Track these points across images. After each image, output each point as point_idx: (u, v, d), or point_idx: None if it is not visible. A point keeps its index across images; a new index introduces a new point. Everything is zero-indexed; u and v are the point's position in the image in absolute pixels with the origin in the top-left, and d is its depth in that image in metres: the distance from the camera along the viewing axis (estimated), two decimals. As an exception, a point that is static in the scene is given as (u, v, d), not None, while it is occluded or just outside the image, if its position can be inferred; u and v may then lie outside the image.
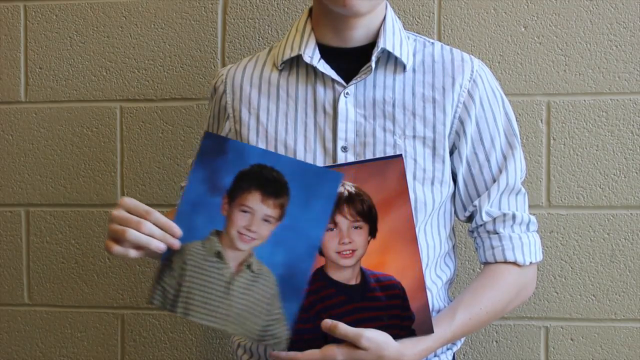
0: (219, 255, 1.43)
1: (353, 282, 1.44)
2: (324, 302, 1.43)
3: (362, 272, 1.44)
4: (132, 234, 1.41)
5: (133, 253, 1.44)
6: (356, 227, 1.43)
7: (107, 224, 1.49)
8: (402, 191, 1.43)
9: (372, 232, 1.44)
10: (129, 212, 1.44)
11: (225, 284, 1.43)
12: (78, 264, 2.23)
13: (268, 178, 1.43)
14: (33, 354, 2.26)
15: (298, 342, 1.43)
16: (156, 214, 1.43)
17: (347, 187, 1.43)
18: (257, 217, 1.43)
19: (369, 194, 1.43)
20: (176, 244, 1.43)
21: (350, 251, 1.43)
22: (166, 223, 1.43)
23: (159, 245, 1.42)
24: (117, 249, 1.44)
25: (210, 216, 1.44)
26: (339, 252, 1.43)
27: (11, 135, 2.24)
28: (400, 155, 1.46)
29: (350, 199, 1.43)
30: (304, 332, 1.43)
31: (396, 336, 1.43)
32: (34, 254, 2.24)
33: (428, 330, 1.44)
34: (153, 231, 1.42)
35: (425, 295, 1.43)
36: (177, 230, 1.44)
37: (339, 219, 1.43)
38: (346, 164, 1.48)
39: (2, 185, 2.26)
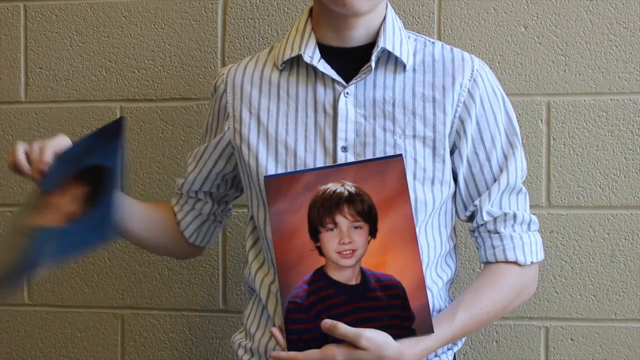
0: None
1: (353, 282, 1.44)
2: (324, 302, 1.43)
3: (362, 272, 1.44)
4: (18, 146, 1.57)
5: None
6: (356, 227, 1.43)
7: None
8: (402, 191, 1.43)
9: (372, 232, 1.44)
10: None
11: None
12: (78, 264, 2.23)
13: None
14: (33, 354, 2.26)
15: (298, 342, 1.43)
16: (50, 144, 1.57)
17: (347, 187, 1.43)
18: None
19: (369, 194, 1.43)
20: (41, 168, 1.55)
21: (351, 251, 1.43)
22: (44, 149, 1.56)
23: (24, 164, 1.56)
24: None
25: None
26: (339, 252, 1.43)
27: (11, 135, 2.24)
28: (401, 155, 1.46)
29: (351, 199, 1.43)
30: (303, 332, 1.43)
31: (396, 336, 1.42)
32: (34, 254, 2.24)
33: (428, 330, 1.44)
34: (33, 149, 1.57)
35: (425, 295, 1.43)
36: (48, 159, 1.55)
37: (339, 219, 1.43)
38: (346, 164, 1.48)
39: (2, 185, 2.26)
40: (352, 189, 1.44)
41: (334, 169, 1.47)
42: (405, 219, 1.43)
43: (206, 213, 1.79)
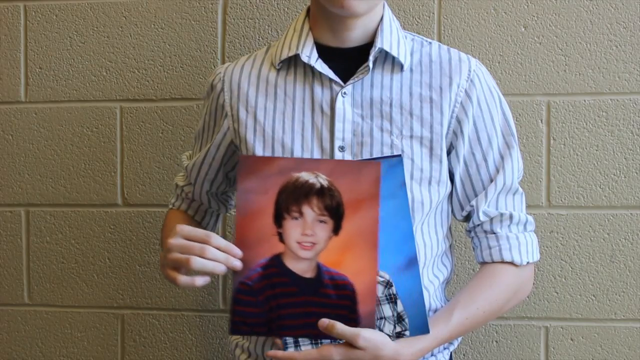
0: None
1: (308, 275, 1.43)
2: (275, 289, 1.42)
3: (319, 267, 1.43)
4: (197, 262, 1.40)
5: (200, 281, 1.43)
6: (321, 221, 1.42)
7: (162, 255, 1.48)
8: (374, 195, 1.42)
9: (336, 230, 1.42)
10: (187, 239, 1.43)
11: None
12: (78, 264, 2.23)
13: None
14: (33, 354, 2.26)
15: (240, 325, 1.43)
16: (216, 237, 1.42)
17: (321, 179, 1.42)
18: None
19: (341, 191, 1.42)
20: (238, 265, 1.42)
21: (311, 244, 1.42)
22: (227, 245, 1.42)
23: (222, 269, 1.41)
24: (183, 279, 1.43)
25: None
26: (299, 243, 1.42)
27: (11, 135, 2.25)
28: (379, 161, 1.45)
29: (321, 192, 1.42)
30: (248, 315, 1.42)
31: (334, 337, 1.42)
32: (34, 254, 2.25)
33: (424, 330, 1.44)
34: (217, 255, 1.41)
35: (373, 302, 1.42)
36: (238, 251, 1.42)
37: (306, 209, 1.42)
38: (325, 160, 1.48)
39: (2, 185, 2.26)
40: (325, 183, 1.42)
41: (312, 161, 1.47)
42: (371, 223, 1.42)
43: (204, 210, 1.83)
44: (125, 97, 2.19)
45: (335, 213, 1.42)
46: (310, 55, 1.57)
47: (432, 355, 1.60)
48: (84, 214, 2.22)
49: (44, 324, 2.25)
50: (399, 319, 1.43)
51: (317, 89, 1.58)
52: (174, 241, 1.43)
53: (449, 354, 1.66)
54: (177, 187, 1.83)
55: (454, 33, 2.06)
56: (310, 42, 1.59)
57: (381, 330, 1.43)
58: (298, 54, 1.58)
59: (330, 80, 1.57)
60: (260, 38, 2.14)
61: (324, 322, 1.40)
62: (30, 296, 2.26)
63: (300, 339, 1.45)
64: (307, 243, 1.42)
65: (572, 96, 2.02)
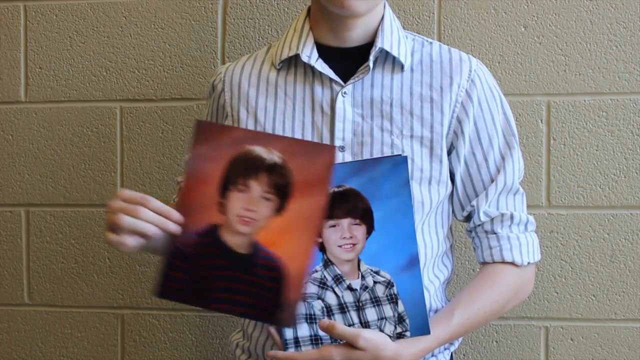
0: None
1: (241, 251, 1.41)
2: (206, 259, 1.41)
3: (255, 245, 1.41)
4: (126, 220, 1.39)
5: (130, 241, 1.40)
6: (266, 199, 1.41)
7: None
8: (324, 180, 1.40)
9: (279, 209, 1.41)
10: (126, 201, 1.41)
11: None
12: (78, 264, 2.23)
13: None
14: (33, 354, 2.26)
15: (168, 289, 1.42)
16: (154, 201, 1.41)
17: (275, 156, 1.40)
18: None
19: (293, 171, 1.41)
20: (173, 228, 1.41)
21: (251, 220, 1.41)
22: (166, 210, 1.41)
23: (155, 231, 1.40)
24: (112, 237, 1.41)
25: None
26: (239, 216, 1.41)
27: (11, 135, 2.25)
28: (334, 147, 1.45)
29: (272, 169, 1.41)
30: (177, 281, 1.42)
31: (253, 317, 1.43)
32: (34, 254, 2.24)
33: (425, 330, 1.44)
34: (150, 216, 1.40)
35: (300, 291, 1.40)
36: (178, 216, 1.41)
37: (253, 183, 1.41)
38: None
39: (2, 185, 2.26)
40: (278, 160, 1.41)
41: (268, 135, 1.46)
42: (317, 208, 1.40)
43: None
44: (125, 97, 2.19)
45: (282, 192, 1.40)
46: (310, 55, 1.57)
47: (432, 355, 1.60)
48: (84, 214, 2.22)
49: (44, 324, 2.25)
50: (400, 319, 1.43)
51: (317, 88, 1.58)
52: (113, 203, 1.42)
53: (450, 354, 1.66)
54: (177, 183, 1.83)
55: (454, 33, 2.06)
56: (310, 42, 1.59)
57: (382, 330, 1.43)
58: (298, 54, 1.58)
59: (331, 80, 1.57)
60: (260, 38, 2.14)
61: (325, 322, 1.40)
62: (30, 296, 2.26)
63: (301, 340, 1.45)
64: (247, 219, 1.40)
65: (572, 96, 2.02)
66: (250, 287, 1.41)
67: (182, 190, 1.44)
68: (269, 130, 1.59)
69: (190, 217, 1.42)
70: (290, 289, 1.40)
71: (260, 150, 1.41)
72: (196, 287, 1.41)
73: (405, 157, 1.44)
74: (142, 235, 1.40)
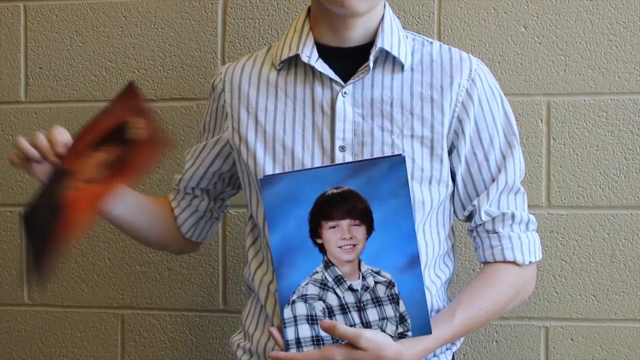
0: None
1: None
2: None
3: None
4: (19, 140, 1.51)
5: (15, 159, 1.54)
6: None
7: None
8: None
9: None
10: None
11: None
12: (78, 264, 2.23)
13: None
14: (33, 354, 2.26)
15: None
16: (55, 129, 1.52)
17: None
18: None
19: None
20: (54, 161, 1.51)
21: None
22: (56, 138, 1.51)
23: (33, 153, 1.51)
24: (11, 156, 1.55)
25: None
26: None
27: (11, 135, 2.25)
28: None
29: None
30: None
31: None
32: (34, 254, 2.24)
33: (427, 330, 1.44)
34: (39, 142, 1.51)
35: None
36: (61, 146, 1.51)
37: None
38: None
39: (2, 185, 2.26)
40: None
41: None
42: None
43: (202, 210, 1.79)
44: (125, 97, 2.19)
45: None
46: (310, 55, 1.57)
47: (434, 356, 1.59)
48: (84, 214, 2.22)
49: (44, 324, 2.25)
50: (401, 319, 1.43)
51: (318, 88, 1.58)
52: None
53: (452, 354, 1.65)
54: (173, 183, 1.82)
55: (454, 33, 2.06)
56: (310, 42, 1.59)
57: (383, 330, 1.43)
58: (298, 54, 1.58)
59: (331, 80, 1.57)
60: (260, 38, 2.14)
61: (326, 322, 1.40)
62: (30, 296, 2.26)
63: (302, 341, 1.45)
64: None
65: (572, 96, 2.02)
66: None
67: (80, 131, 1.53)
68: (269, 131, 1.59)
69: (69, 157, 1.52)
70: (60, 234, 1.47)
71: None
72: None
73: (404, 157, 1.43)
74: (27, 156, 1.52)
